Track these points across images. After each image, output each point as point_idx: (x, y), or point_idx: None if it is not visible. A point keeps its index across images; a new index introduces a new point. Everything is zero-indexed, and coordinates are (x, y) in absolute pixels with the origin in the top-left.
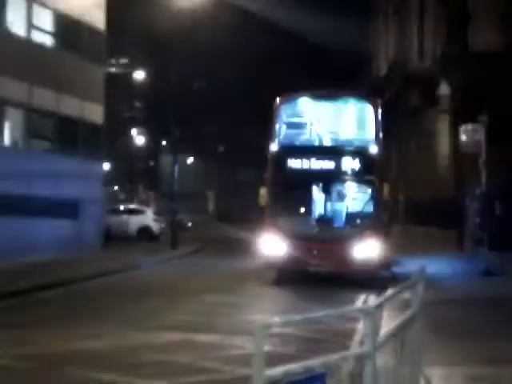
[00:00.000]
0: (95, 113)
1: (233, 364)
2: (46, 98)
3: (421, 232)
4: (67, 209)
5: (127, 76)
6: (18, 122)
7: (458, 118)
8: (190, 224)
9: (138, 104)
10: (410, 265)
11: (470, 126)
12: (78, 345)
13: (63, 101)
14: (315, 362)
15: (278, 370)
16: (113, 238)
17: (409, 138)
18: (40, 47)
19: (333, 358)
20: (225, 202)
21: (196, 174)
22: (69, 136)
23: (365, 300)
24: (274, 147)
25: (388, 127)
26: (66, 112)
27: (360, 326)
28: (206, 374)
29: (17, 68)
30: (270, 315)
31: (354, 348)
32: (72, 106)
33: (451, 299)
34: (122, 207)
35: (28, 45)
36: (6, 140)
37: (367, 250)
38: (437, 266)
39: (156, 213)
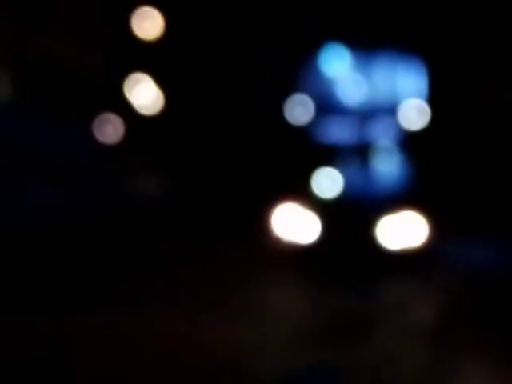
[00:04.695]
0: (92, 65)
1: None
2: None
3: (470, 214)
4: None
5: None
6: None
7: None
8: None
9: None
10: (451, 253)
11: None
12: None
13: (55, 50)
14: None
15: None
16: None
17: (461, 104)
18: None
19: (352, 352)
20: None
21: None
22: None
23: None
24: (298, 107)
25: (437, 89)
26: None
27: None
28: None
29: None
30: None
31: (377, 342)
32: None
33: None
34: None
35: None
36: None
37: (403, 231)
38: (480, 254)
39: None
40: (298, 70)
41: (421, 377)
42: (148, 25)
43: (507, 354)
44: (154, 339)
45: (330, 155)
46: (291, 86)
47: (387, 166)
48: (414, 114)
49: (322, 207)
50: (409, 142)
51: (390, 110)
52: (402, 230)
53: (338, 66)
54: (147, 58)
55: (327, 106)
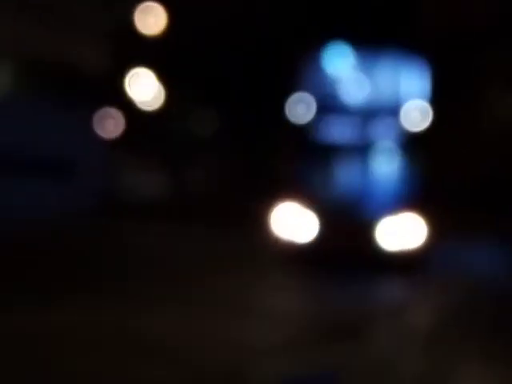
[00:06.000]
0: (94, 60)
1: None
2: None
3: (469, 216)
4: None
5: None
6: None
7: None
8: None
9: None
10: (450, 255)
11: None
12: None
13: (57, 44)
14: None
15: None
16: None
17: (462, 106)
18: None
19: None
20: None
21: None
22: (65, 85)
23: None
24: (300, 105)
25: (439, 91)
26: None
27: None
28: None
29: None
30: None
31: (374, 345)
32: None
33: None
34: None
35: None
36: None
37: (402, 232)
38: (479, 257)
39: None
40: (301, 69)
41: (416, 380)
42: (151, 20)
43: (505, 358)
44: (153, 332)
45: (330, 155)
46: (293, 84)
47: (388, 167)
48: (416, 115)
49: (321, 206)
50: (410, 143)
51: (392, 110)
52: (401, 232)
53: (341, 65)
54: (149, 53)
55: (329, 105)
